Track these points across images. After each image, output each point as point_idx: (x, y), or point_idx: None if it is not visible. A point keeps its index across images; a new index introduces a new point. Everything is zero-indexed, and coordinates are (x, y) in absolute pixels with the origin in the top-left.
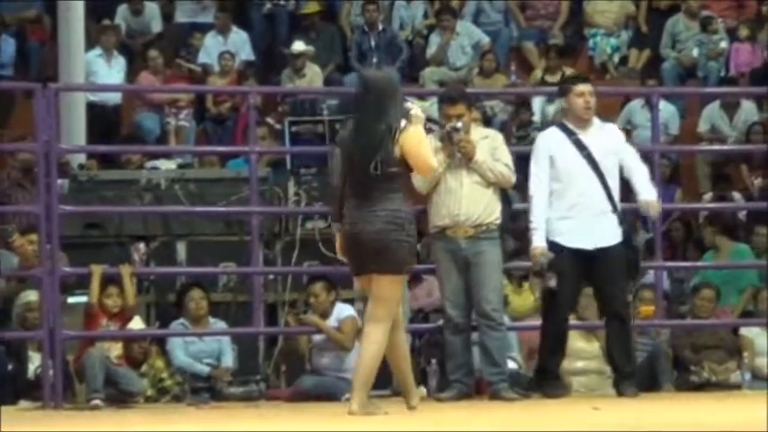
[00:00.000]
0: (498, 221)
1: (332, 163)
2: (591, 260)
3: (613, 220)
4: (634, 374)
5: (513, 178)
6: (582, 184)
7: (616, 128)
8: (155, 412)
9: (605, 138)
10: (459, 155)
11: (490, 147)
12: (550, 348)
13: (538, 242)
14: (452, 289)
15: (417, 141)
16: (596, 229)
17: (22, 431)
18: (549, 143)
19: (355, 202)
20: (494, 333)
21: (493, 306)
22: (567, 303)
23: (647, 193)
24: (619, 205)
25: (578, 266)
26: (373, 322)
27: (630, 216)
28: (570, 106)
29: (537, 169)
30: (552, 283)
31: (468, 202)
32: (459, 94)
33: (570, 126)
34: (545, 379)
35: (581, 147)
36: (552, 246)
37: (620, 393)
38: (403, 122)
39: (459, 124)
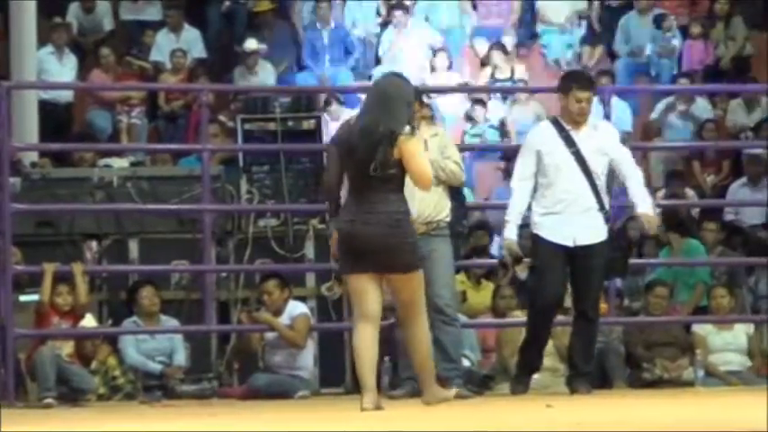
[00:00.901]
0: (448, 219)
1: (327, 161)
2: (571, 257)
3: (599, 218)
4: (590, 374)
5: (464, 176)
6: (568, 181)
7: (611, 127)
8: (107, 410)
9: (598, 137)
10: None
11: (439, 145)
12: (531, 344)
13: (508, 234)
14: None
15: (414, 152)
16: (579, 227)
17: None
18: (539, 138)
19: (354, 201)
20: (448, 328)
21: (446, 301)
22: (551, 298)
23: (645, 206)
24: (607, 204)
25: (560, 261)
26: (409, 321)
27: (623, 213)
28: (566, 107)
29: (522, 163)
30: (523, 275)
31: (420, 201)
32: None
33: (563, 122)
34: (522, 375)
35: (570, 143)
36: (535, 239)
37: (573, 390)
38: (407, 129)
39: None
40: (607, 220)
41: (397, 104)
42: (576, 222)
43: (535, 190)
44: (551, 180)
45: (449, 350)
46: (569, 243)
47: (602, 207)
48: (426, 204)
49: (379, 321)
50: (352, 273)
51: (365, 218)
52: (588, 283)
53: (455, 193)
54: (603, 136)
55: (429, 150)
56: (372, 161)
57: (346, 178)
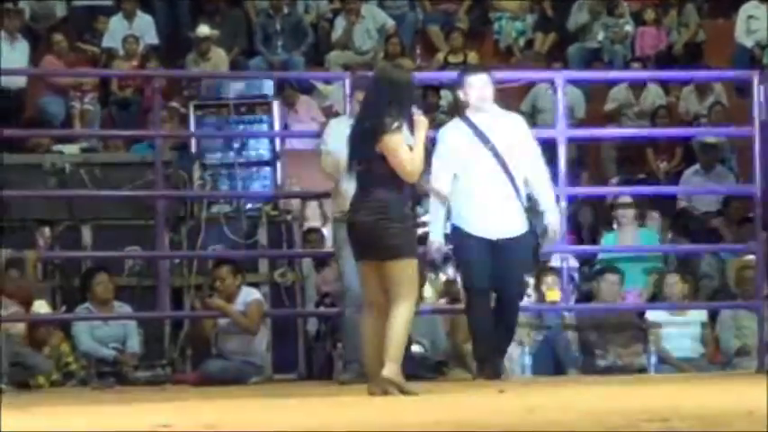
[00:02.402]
0: None
1: None
2: (495, 249)
3: (518, 209)
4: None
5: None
6: (485, 176)
7: (520, 119)
8: (60, 396)
9: (508, 128)
10: None
11: None
12: (478, 339)
13: (433, 236)
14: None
15: (394, 147)
16: (499, 220)
17: None
18: (452, 136)
19: (356, 193)
20: None
21: None
22: (480, 287)
23: (550, 211)
24: (524, 194)
25: (483, 252)
26: (393, 303)
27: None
28: (465, 97)
29: (438, 163)
30: (450, 272)
31: None
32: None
33: (472, 118)
34: (483, 368)
35: (484, 139)
36: (457, 232)
37: (479, 376)
38: (395, 124)
39: None
40: (526, 210)
41: (387, 98)
42: (496, 216)
43: (454, 186)
44: (469, 176)
45: None
46: (493, 237)
47: (519, 198)
48: None
49: (382, 309)
50: (357, 260)
51: (360, 206)
52: (509, 274)
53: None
54: (514, 127)
55: None
56: (355, 156)
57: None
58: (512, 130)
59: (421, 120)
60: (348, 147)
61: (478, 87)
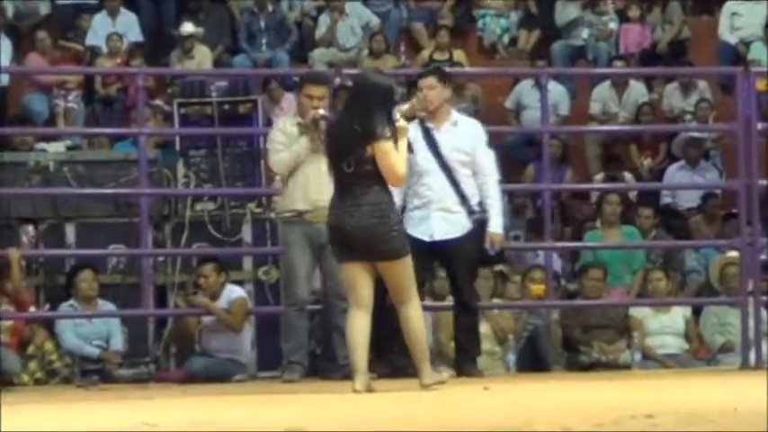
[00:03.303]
0: None
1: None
2: (433, 252)
3: (461, 214)
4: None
5: None
6: (430, 180)
7: (477, 126)
8: (44, 394)
9: (461, 136)
10: (321, 141)
11: None
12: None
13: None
14: (307, 272)
15: (386, 151)
16: (439, 223)
17: None
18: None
19: (338, 195)
20: None
21: None
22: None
23: (494, 224)
24: (472, 199)
25: (422, 256)
26: (402, 304)
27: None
28: (423, 102)
29: None
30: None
31: (329, 189)
32: (324, 77)
33: (427, 122)
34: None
35: (432, 144)
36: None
37: (461, 373)
38: (386, 131)
39: (321, 111)
40: (471, 213)
41: (372, 102)
42: (437, 219)
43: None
44: (417, 179)
45: None
46: (427, 238)
47: (464, 203)
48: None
49: (370, 306)
50: (344, 262)
51: (350, 211)
52: (455, 276)
53: None
54: (468, 134)
55: None
56: (344, 160)
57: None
58: (464, 137)
59: (402, 126)
60: (332, 148)
61: (425, 91)
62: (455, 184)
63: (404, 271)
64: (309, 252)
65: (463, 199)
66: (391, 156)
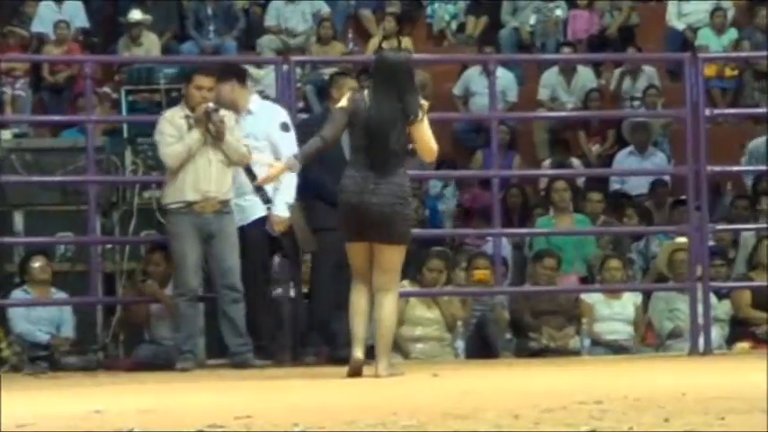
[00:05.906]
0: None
1: (332, 123)
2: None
3: (253, 200)
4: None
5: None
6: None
7: (278, 115)
8: None
9: (250, 121)
10: (211, 134)
11: (230, 126)
12: None
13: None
14: (196, 261)
15: (425, 130)
16: (239, 210)
17: None
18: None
19: (363, 174)
20: (239, 305)
21: (238, 277)
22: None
23: (277, 207)
24: (267, 186)
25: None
26: (384, 291)
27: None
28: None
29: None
30: None
31: (217, 180)
32: (213, 68)
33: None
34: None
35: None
36: None
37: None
38: (420, 114)
39: (211, 104)
40: (264, 201)
41: (405, 82)
42: (238, 206)
43: None
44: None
45: (239, 326)
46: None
47: (257, 189)
48: (222, 184)
49: (368, 280)
50: (353, 241)
51: (375, 188)
52: (248, 264)
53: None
54: (266, 121)
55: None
56: (392, 136)
57: (350, 150)
58: (261, 125)
59: (425, 103)
60: (372, 129)
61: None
62: (249, 171)
63: (400, 258)
64: (198, 242)
65: (258, 187)
66: (428, 132)
